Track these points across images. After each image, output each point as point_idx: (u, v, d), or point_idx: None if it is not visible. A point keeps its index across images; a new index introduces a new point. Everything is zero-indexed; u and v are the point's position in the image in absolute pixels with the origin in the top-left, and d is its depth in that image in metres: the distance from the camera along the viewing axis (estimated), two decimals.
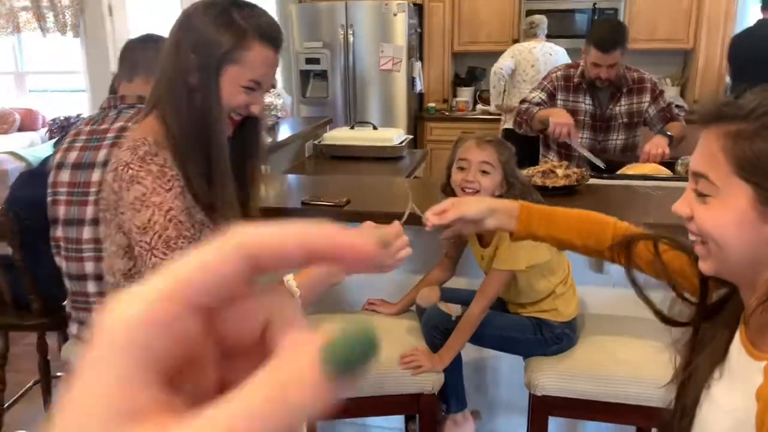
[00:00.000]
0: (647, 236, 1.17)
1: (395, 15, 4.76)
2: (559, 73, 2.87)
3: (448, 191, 1.81)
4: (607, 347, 1.81)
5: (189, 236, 1.14)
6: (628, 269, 1.16)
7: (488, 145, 1.72)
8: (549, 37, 4.47)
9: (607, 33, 2.69)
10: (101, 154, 1.71)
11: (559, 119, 2.64)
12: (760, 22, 3.99)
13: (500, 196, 1.74)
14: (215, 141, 1.20)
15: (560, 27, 4.87)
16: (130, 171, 1.14)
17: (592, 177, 2.29)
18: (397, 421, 2.31)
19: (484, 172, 1.71)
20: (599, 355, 1.78)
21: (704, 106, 0.91)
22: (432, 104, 5.27)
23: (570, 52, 4.44)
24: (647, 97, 2.82)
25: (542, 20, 4.51)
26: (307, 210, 2.11)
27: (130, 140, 1.20)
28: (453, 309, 1.85)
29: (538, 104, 2.82)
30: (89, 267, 1.72)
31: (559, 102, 2.83)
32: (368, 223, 1.30)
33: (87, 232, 1.71)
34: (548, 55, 4.34)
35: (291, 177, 2.72)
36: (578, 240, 1.23)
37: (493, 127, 4.65)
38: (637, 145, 2.88)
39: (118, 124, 1.75)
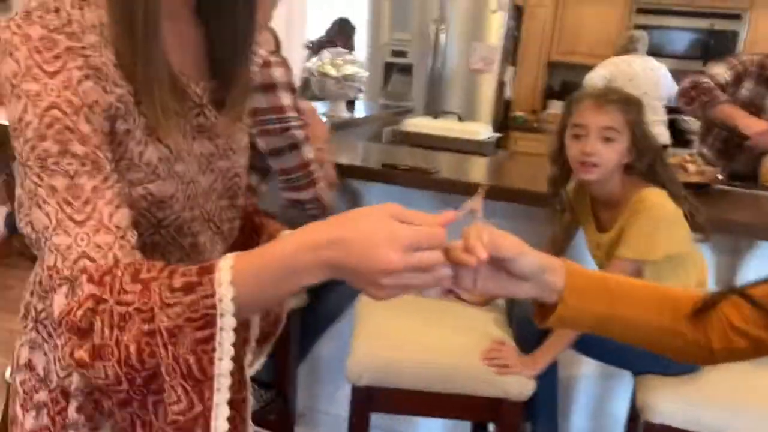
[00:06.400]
0: (732, 291, 0.76)
1: (494, 12, 4.48)
2: (754, 57, 2.39)
3: (560, 161, 1.51)
4: (737, 366, 1.43)
5: (85, 157, 0.66)
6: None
7: (611, 106, 1.40)
8: (650, 54, 4.14)
9: None
10: None
11: (758, 128, 2.25)
12: None
13: (627, 166, 1.44)
14: None
15: (666, 45, 4.51)
16: (5, 34, 0.68)
17: (725, 184, 1.94)
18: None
19: (607, 139, 1.40)
20: (730, 376, 1.40)
21: None
22: (520, 113, 4.94)
23: (673, 72, 4.06)
24: None
25: (643, 36, 4.26)
26: (395, 175, 1.83)
27: None
28: None
29: (720, 86, 2.34)
30: None
31: (743, 91, 2.36)
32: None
33: None
34: (649, 71, 3.96)
35: (369, 144, 2.45)
36: (655, 316, 0.74)
37: None
38: None
39: None
